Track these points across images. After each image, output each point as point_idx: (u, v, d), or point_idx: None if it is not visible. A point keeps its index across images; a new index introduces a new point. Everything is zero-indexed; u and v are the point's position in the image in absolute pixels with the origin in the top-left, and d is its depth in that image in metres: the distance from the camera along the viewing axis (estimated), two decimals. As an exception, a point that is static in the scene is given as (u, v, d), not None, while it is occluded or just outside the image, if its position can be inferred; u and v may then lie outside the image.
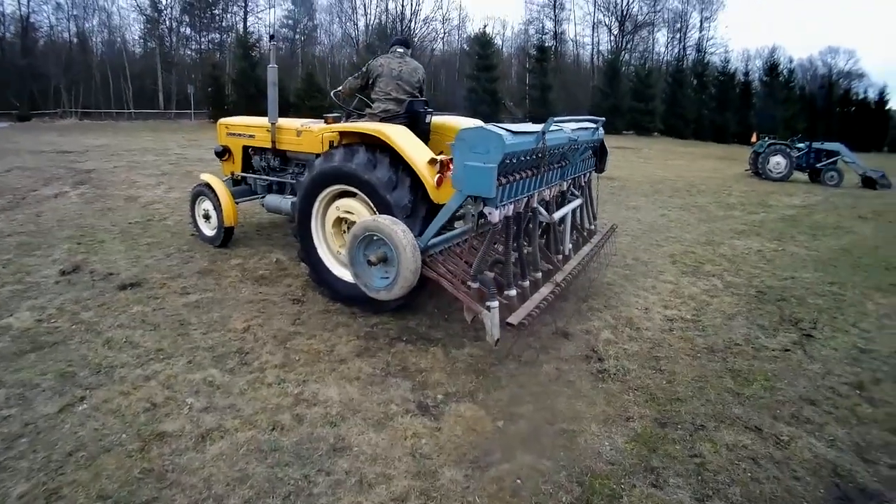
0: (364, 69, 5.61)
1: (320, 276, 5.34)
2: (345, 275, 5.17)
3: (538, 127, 4.29)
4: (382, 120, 5.29)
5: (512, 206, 4.16)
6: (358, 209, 4.93)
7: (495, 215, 3.87)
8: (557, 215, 5.12)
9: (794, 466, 3.32)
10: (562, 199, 5.52)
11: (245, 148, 7.07)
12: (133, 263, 6.06)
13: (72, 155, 14.93)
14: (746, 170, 21.46)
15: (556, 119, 4.48)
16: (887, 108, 54.25)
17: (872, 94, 55.87)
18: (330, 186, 5.10)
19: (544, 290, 4.48)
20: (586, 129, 5.63)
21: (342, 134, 5.17)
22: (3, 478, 2.77)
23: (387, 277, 4.22)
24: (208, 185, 6.63)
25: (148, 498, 2.70)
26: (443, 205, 4.43)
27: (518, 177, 4.10)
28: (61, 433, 3.15)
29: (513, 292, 4.23)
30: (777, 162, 19.73)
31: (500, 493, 2.93)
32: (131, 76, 46.03)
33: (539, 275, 4.73)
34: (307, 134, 6.07)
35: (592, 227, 6.59)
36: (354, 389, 3.81)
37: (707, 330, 5.23)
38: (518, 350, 4.52)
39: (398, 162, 4.69)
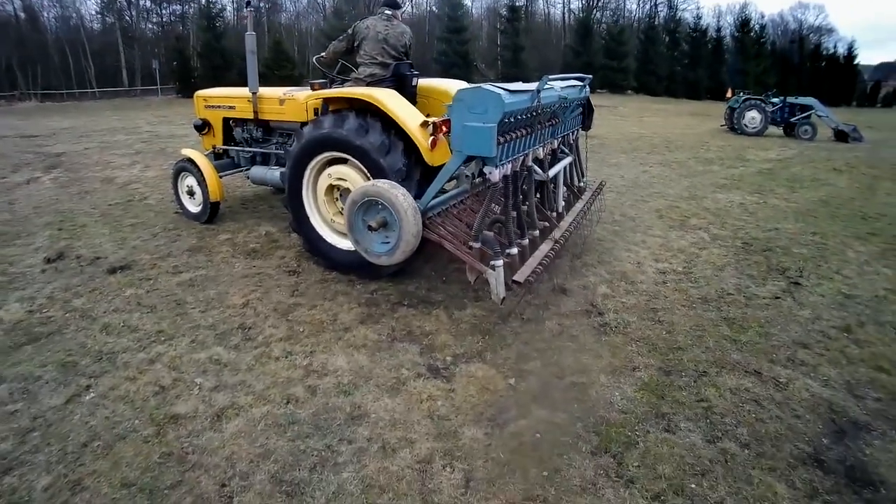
0: (349, 31, 5.51)
1: (314, 245, 5.31)
2: (339, 243, 5.16)
3: (532, 86, 4.29)
4: (369, 84, 5.23)
5: (510, 165, 4.18)
6: (351, 175, 4.89)
7: (496, 174, 3.90)
8: (551, 173, 5.15)
9: (793, 406, 3.48)
10: (553, 158, 5.54)
11: (225, 120, 6.91)
12: (119, 246, 5.92)
13: (38, 139, 14.41)
14: (722, 125, 21.70)
15: (549, 77, 4.47)
16: (855, 62, 54.87)
17: (842, 49, 56.45)
18: (320, 154, 5.03)
19: (544, 248, 4.53)
20: (574, 86, 5.65)
21: (329, 100, 5.11)
22: (24, 472, 2.74)
23: (388, 242, 4.21)
24: (190, 161, 6.48)
25: (173, 482, 2.69)
26: (437, 167, 4.44)
27: (515, 136, 4.11)
28: (72, 424, 3.09)
29: (514, 251, 4.26)
30: (752, 117, 19.95)
31: (522, 447, 3.02)
32: (91, 53, 43.59)
33: (536, 233, 4.77)
34: (291, 102, 5.96)
35: (582, 184, 6.64)
36: (363, 357, 3.84)
37: (699, 281, 5.36)
38: (520, 308, 4.58)
39: (390, 126, 4.64)
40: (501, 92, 3.69)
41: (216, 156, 7.09)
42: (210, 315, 4.40)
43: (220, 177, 6.57)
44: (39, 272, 5.23)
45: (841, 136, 18.97)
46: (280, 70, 32.74)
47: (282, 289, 4.89)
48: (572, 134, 6.28)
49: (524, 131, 4.30)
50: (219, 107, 6.90)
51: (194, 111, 7.25)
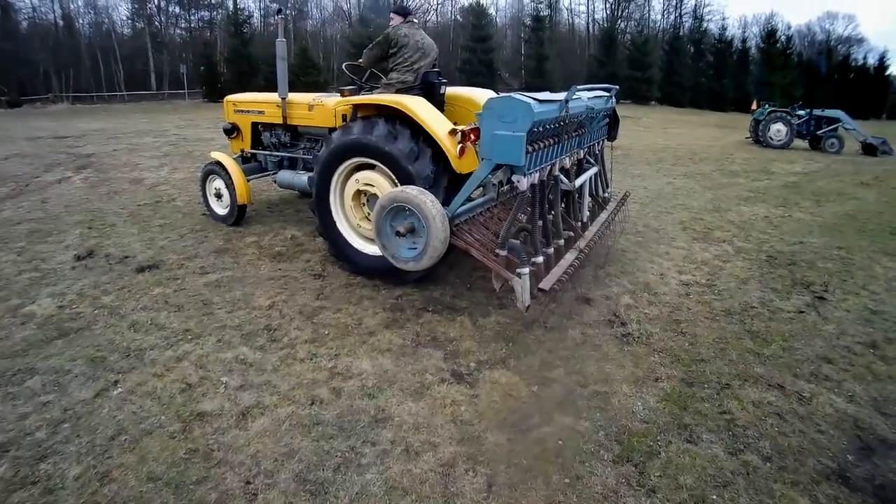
0: (381, 38, 5.54)
1: (340, 250, 5.37)
2: (365, 247, 5.22)
3: (561, 96, 4.32)
4: (398, 91, 5.29)
5: (537, 174, 4.20)
6: (379, 181, 4.95)
7: (524, 183, 3.94)
8: (577, 183, 5.17)
9: (817, 421, 3.45)
10: (578, 168, 5.56)
11: (254, 124, 7.00)
12: (147, 246, 6.06)
13: (69, 140, 14.75)
14: (746, 137, 21.47)
15: (577, 87, 4.51)
16: (887, 73, 53.66)
17: (872, 60, 55.32)
18: (349, 159, 5.08)
19: (569, 257, 4.55)
20: (601, 97, 5.66)
21: (358, 107, 5.17)
22: (57, 461, 2.83)
23: (415, 248, 4.26)
24: (219, 164, 6.58)
25: (198, 477, 2.75)
26: (464, 175, 4.49)
27: (543, 145, 4.14)
28: (101, 417, 3.18)
29: (540, 259, 4.28)
30: (778, 129, 19.72)
31: (545, 453, 3.04)
32: (121, 58, 44.52)
33: (562, 242, 4.79)
34: (319, 108, 6.02)
35: (606, 194, 6.64)
36: (387, 361, 3.89)
37: (723, 294, 5.33)
38: (543, 317, 4.61)
39: (418, 133, 4.71)
40: (531, 101, 3.73)
41: (244, 159, 7.20)
42: (236, 315, 4.48)
43: (248, 180, 6.69)
44: (70, 269, 5.38)
45: (869, 149, 18.61)
46: (306, 76, 33.10)
47: (307, 292, 4.96)
48: (598, 144, 6.28)
49: (552, 141, 4.32)
50: (248, 111, 6.97)
51: (223, 115, 7.36)
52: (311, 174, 5.71)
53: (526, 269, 3.91)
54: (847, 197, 10.68)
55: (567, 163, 4.93)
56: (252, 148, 7.13)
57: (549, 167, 4.47)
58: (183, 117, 23.45)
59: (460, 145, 4.60)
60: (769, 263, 6.30)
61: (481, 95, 5.70)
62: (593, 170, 5.83)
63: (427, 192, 4.16)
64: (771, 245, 7.02)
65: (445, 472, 2.86)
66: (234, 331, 4.24)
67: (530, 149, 3.91)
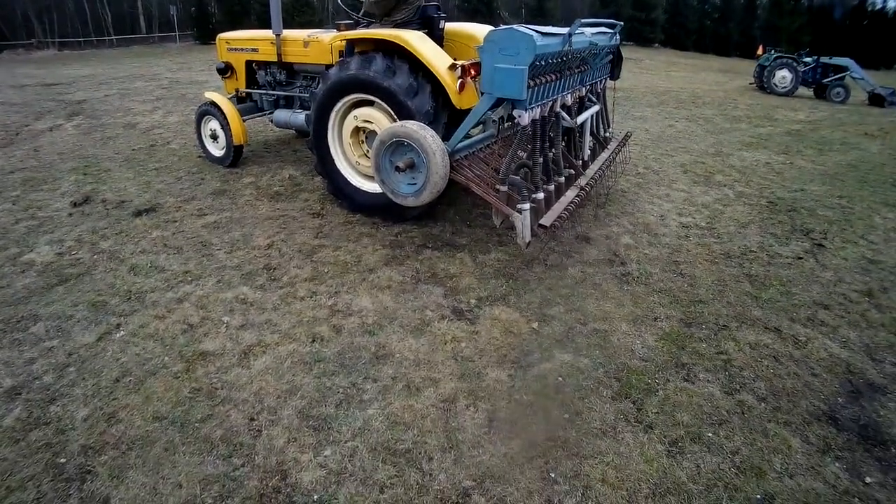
0: None
1: (338, 187, 5.33)
2: (364, 185, 5.17)
3: (564, 29, 4.21)
4: (397, 26, 5.12)
5: (539, 110, 4.14)
6: (377, 117, 4.87)
7: (525, 118, 3.87)
8: (578, 120, 5.07)
9: (811, 364, 3.52)
10: (580, 105, 5.46)
11: (248, 63, 6.80)
12: (144, 190, 5.98)
13: (58, 87, 14.27)
14: (750, 83, 21.12)
15: (581, 21, 4.38)
16: (899, 20, 51.96)
17: (893, 3, 53.20)
18: (346, 96, 4.98)
19: (570, 194, 4.54)
20: (605, 33, 5.51)
21: (355, 42, 5.03)
22: (65, 403, 2.86)
23: (414, 183, 4.23)
24: (214, 104, 6.43)
25: (203, 415, 2.79)
26: (464, 111, 4.40)
27: (544, 80, 4.05)
28: (104, 360, 3.19)
29: (540, 195, 4.24)
30: (783, 76, 19.36)
31: (545, 390, 3.09)
32: (108, 1, 42.76)
33: (562, 179, 4.74)
34: (315, 44, 5.87)
35: (608, 134, 6.56)
36: (387, 298, 3.90)
37: (722, 237, 5.34)
38: (543, 254, 4.63)
39: (417, 68, 4.61)
40: (533, 34, 3.63)
41: (239, 99, 7.03)
42: (235, 256, 4.47)
43: (244, 120, 6.55)
44: (67, 216, 5.30)
45: (876, 99, 18.24)
46: (300, 16, 32.09)
47: (306, 231, 4.94)
48: (600, 83, 6.16)
49: (553, 76, 4.23)
50: (242, 49, 6.78)
51: (217, 55, 7.14)
52: (308, 112, 5.60)
53: (527, 205, 3.88)
54: (850, 147, 10.58)
55: (569, 100, 4.85)
56: (247, 87, 6.95)
57: (550, 103, 4.39)
58: (175, 60, 22.78)
59: (460, 80, 4.50)
60: (769, 209, 6.28)
61: (481, 31, 5.52)
62: (595, 108, 5.71)
63: (427, 126, 4.11)
64: (772, 191, 6.99)
65: (446, 408, 2.91)
66: (234, 271, 4.24)
67: (532, 83, 3.83)
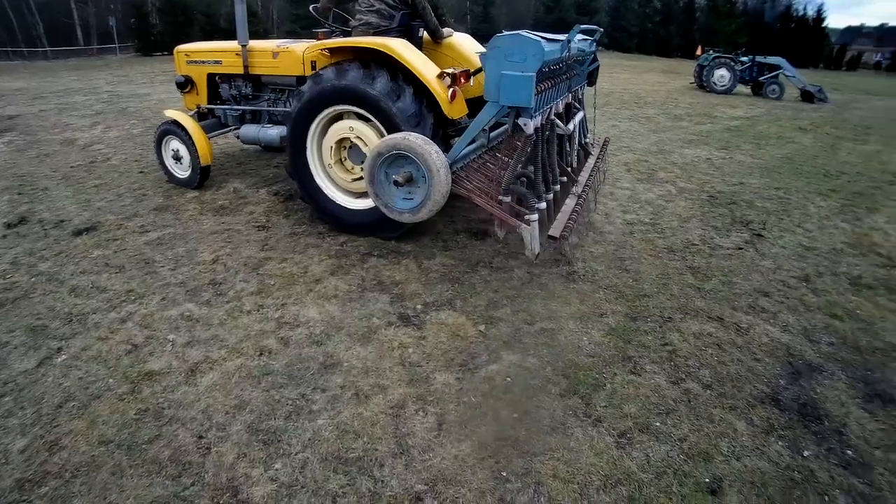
0: None
1: (326, 210, 5.10)
2: (352, 203, 5.01)
3: (562, 36, 4.16)
4: (376, 34, 4.92)
5: (541, 118, 4.03)
6: (361, 130, 4.68)
7: (530, 126, 3.74)
8: (570, 127, 5.00)
9: (754, 349, 3.64)
10: (567, 112, 5.33)
11: (210, 76, 6.38)
12: (83, 208, 5.74)
13: (-15, 102, 13.75)
14: (691, 83, 21.82)
15: (581, 27, 4.30)
16: (823, 25, 55.04)
17: (811, 12, 56.37)
18: (325, 110, 4.76)
19: (570, 202, 4.48)
20: (586, 40, 5.45)
21: (331, 51, 4.84)
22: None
23: (411, 198, 4.09)
24: (176, 123, 6.03)
25: (150, 436, 2.70)
26: (452, 120, 4.38)
27: (544, 87, 3.94)
28: (45, 387, 3.05)
29: (543, 205, 4.14)
30: (721, 75, 20.10)
31: (493, 391, 3.10)
32: (38, 9, 39.75)
33: (558, 188, 4.64)
34: (286, 55, 5.52)
35: (587, 140, 6.51)
36: (334, 307, 3.86)
37: (665, 232, 5.48)
38: (488, 257, 4.66)
39: (397, 74, 4.46)
40: (540, 40, 3.54)
41: (201, 116, 6.62)
42: (180, 272, 4.36)
43: (209, 138, 6.21)
44: (0, 238, 5.03)
45: (807, 96, 19.17)
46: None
47: (251, 244, 4.86)
48: (581, 89, 6.09)
49: (550, 83, 4.13)
50: (203, 62, 6.35)
51: (175, 68, 6.72)
52: (279, 127, 5.42)
53: (535, 216, 3.82)
54: (786, 141, 11.02)
55: (560, 107, 4.73)
56: (209, 102, 6.53)
57: (548, 110, 4.29)
58: (115, 73, 22.06)
59: (451, 89, 4.37)
60: (710, 203, 6.48)
61: (460, 39, 5.49)
62: (580, 114, 5.66)
63: (432, 142, 3.98)
64: (712, 185, 7.21)
65: (396, 414, 2.89)
66: (179, 288, 4.12)
67: (535, 91, 3.71)
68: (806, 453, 2.80)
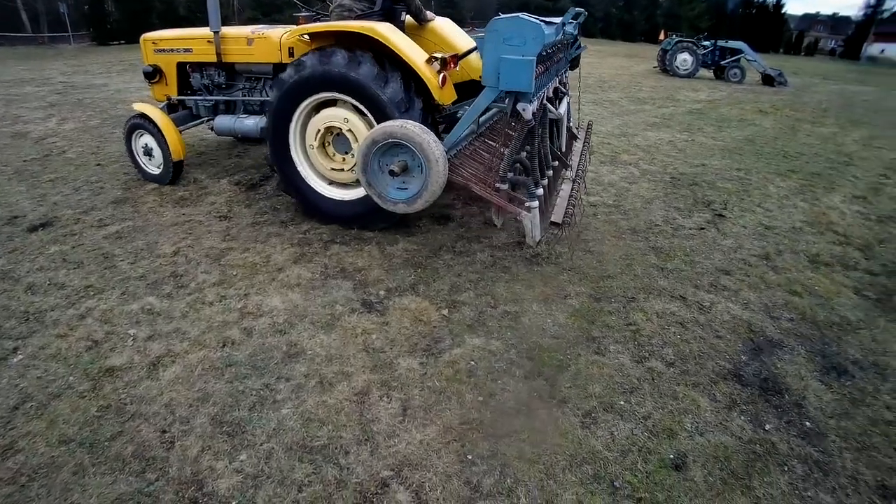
0: None
1: (312, 204, 4.97)
2: (340, 194, 4.88)
3: (556, 19, 4.08)
4: (358, 17, 4.74)
5: (537, 103, 3.94)
6: (348, 117, 4.53)
7: (529, 111, 3.65)
8: (561, 111, 4.90)
9: (716, 327, 3.70)
10: (555, 97, 5.25)
11: (180, 65, 6.06)
12: (39, 203, 5.53)
13: (-79, 95, 13.08)
14: (654, 67, 22.09)
15: (575, 10, 4.23)
16: (783, 11, 56.51)
17: (771, -1, 57.65)
18: (308, 98, 4.59)
19: (566, 188, 4.42)
20: (572, 23, 5.31)
21: (311, 37, 4.65)
22: None
23: (405, 188, 4.01)
24: (144, 116, 5.73)
25: (112, 433, 2.64)
26: (442, 106, 4.32)
27: (540, 71, 3.84)
28: (0, 388, 2.94)
29: (540, 191, 4.08)
30: (684, 59, 20.39)
31: (457, 375, 3.10)
32: None
33: (550, 173, 4.57)
34: (261, 42, 5.25)
35: (571, 124, 6.42)
36: (297, 296, 3.82)
37: (629, 213, 5.54)
38: (451, 241, 4.66)
39: (383, 59, 4.31)
40: (540, 23, 3.46)
41: (171, 107, 6.31)
42: (140, 266, 4.25)
43: (181, 131, 5.93)
44: (-50, 237, 4.83)
45: (768, 79, 19.59)
46: (204, 13, 30.74)
47: (213, 234, 4.77)
48: (565, 73, 5.99)
49: (544, 67, 4.04)
50: (172, 50, 6.01)
51: (141, 57, 6.37)
52: (255, 117, 5.25)
53: (535, 203, 3.78)
54: (747, 123, 11.22)
55: (551, 91, 4.64)
56: (180, 93, 6.21)
57: (543, 95, 4.20)
58: (69, 63, 21.19)
59: (441, 75, 4.26)
60: (673, 184, 6.56)
61: (442, 23, 5.38)
62: (567, 98, 5.58)
63: (429, 130, 3.85)
64: (675, 167, 7.31)
65: (360, 400, 2.87)
66: (139, 281, 4.03)
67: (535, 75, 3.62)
68: (767, 426, 2.87)
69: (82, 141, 7.98)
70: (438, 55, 4.31)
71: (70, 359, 3.17)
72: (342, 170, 4.74)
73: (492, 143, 4.15)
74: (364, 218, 4.75)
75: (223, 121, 5.73)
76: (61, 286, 3.96)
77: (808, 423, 2.92)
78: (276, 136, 4.83)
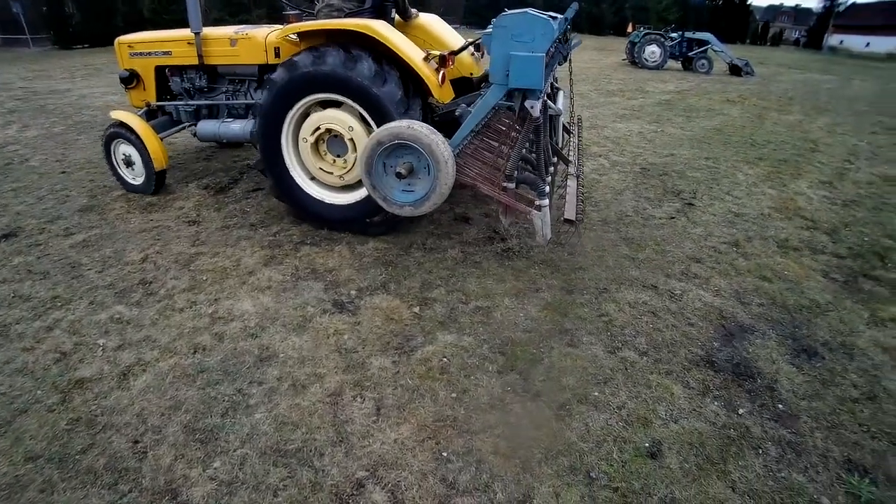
0: None
1: (306, 209, 4.84)
2: (335, 198, 4.75)
3: (558, 14, 4.05)
4: (349, 15, 4.60)
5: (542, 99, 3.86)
6: (343, 119, 4.39)
7: (537, 108, 3.60)
8: (560, 107, 4.84)
9: (687, 314, 3.74)
10: (551, 92, 5.14)
11: (159, 69, 5.77)
12: (1, 213, 5.38)
13: None
14: (623, 59, 22.27)
15: (576, 6, 4.15)
16: (748, 3, 57.63)
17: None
18: (301, 100, 4.44)
19: (572, 183, 4.34)
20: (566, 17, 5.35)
21: (300, 36, 4.47)
22: None
23: (411, 190, 3.92)
24: (123, 125, 5.51)
25: (83, 446, 2.59)
26: (438, 104, 4.25)
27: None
28: None
29: (546, 188, 3.99)
30: (652, 51, 20.58)
31: (430, 372, 3.09)
32: None
33: (552, 169, 4.50)
34: (245, 42, 5.04)
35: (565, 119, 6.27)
36: (268, 298, 3.78)
37: (600, 205, 5.57)
38: (421, 239, 4.65)
39: (380, 58, 4.18)
40: (549, 18, 3.41)
41: (149, 113, 6.02)
42: (108, 274, 4.17)
43: (161, 138, 5.68)
44: None
45: (735, 70, 19.89)
46: (168, 14, 29.97)
47: (182, 240, 4.69)
48: (556, 68, 5.97)
49: (547, 63, 3.93)
50: (149, 54, 5.69)
51: (117, 61, 6.03)
52: (241, 121, 5.11)
53: (545, 201, 3.73)
54: (715, 113, 11.36)
55: (548, 87, 4.53)
56: (158, 98, 5.91)
57: (547, 91, 4.13)
58: (29, 68, 20.48)
59: (441, 72, 4.18)
60: (643, 175, 6.62)
61: (429, 20, 5.29)
62: (562, 93, 5.49)
63: (436, 131, 3.76)
64: (644, 158, 7.38)
65: (333, 402, 2.85)
66: (107, 290, 3.94)
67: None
68: (741, 411, 2.91)
69: (46, 148, 7.79)
70: (435, 52, 4.25)
71: (37, 372, 3.09)
72: (331, 172, 4.62)
73: (491, 140, 4.05)
74: (359, 221, 4.65)
75: (207, 126, 5.48)
76: (26, 298, 3.86)
77: (780, 406, 2.97)
78: (268, 141, 4.67)
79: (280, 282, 4.00)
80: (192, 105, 5.74)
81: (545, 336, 3.43)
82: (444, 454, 2.56)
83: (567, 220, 3.77)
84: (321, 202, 4.76)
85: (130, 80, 5.85)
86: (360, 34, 4.13)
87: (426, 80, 4.14)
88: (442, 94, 4.27)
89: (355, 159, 4.42)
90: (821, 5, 63.64)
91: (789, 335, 3.61)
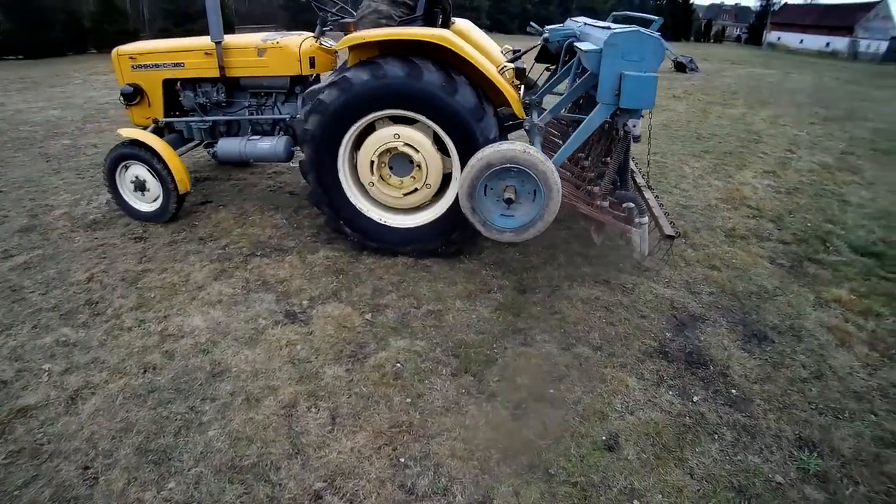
0: None
1: (367, 233, 4.49)
2: (399, 221, 4.48)
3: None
4: (400, 23, 4.34)
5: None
6: (416, 138, 4.12)
7: (639, 127, 3.49)
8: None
9: (640, 307, 3.83)
10: None
11: (167, 83, 5.31)
12: None
13: None
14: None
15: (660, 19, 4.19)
16: (691, 1, 59.49)
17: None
18: (361, 118, 4.11)
19: (650, 195, 4.26)
20: None
21: (350, 48, 4.16)
22: None
23: (510, 216, 3.74)
24: (140, 144, 4.98)
25: (26, 479, 2.48)
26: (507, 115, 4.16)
27: None
28: None
29: (632, 204, 3.96)
30: (598, 49, 20.98)
31: (384, 378, 3.09)
32: None
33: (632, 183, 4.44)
34: (276, 52, 4.75)
35: None
36: (219, 313, 3.72)
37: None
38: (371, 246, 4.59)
39: (447, 69, 3.91)
40: (658, 37, 3.35)
41: (156, 131, 5.44)
42: (52, 296, 4.02)
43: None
44: None
45: (679, 66, 20.41)
46: (111, 24, 28.68)
47: (128, 257, 4.56)
48: None
49: None
50: (157, 66, 5.22)
51: (116, 76, 5.51)
52: (271, 139, 4.86)
53: (645, 218, 3.70)
54: (661, 109, 11.60)
55: None
56: (166, 115, 5.42)
57: None
58: None
59: (520, 85, 4.03)
60: (593, 173, 6.70)
61: (466, 26, 5.10)
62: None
63: (547, 157, 3.57)
64: (594, 156, 7.47)
65: (288, 414, 2.82)
66: (51, 312, 3.81)
67: None
68: (695, 398, 3.00)
69: (-21, 170, 7.48)
70: (509, 65, 4.10)
71: (-28, 406, 2.94)
72: (414, 190, 4.31)
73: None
74: (429, 242, 4.40)
75: (230, 144, 5.08)
76: (-39, 328, 3.69)
77: (734, 391, 3.07)
78: (321, 169, 4.32)
79: (231, 295, 3.93)
80: (208, 121, 5.30)
81: (498, 336, 3.46)
82: (402, 460, 2.55)
83: (668, 236, 3.70)
84: (395, 228, 4.46)
85: (134, 95, 5.34)
86: (422, 43, 3.88)
87: (506, 94, 3.95)
88: (520, 109, 4.09)
89: (424, 180, 4.24)
90: (759, 4, 66.39)
91: (739, 321, 3.73)
